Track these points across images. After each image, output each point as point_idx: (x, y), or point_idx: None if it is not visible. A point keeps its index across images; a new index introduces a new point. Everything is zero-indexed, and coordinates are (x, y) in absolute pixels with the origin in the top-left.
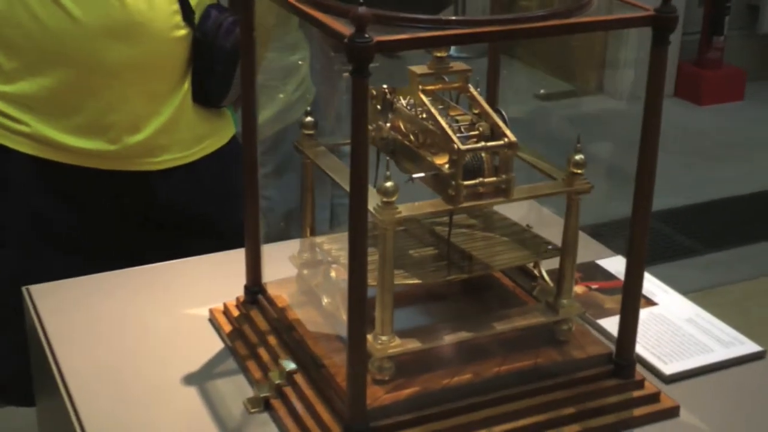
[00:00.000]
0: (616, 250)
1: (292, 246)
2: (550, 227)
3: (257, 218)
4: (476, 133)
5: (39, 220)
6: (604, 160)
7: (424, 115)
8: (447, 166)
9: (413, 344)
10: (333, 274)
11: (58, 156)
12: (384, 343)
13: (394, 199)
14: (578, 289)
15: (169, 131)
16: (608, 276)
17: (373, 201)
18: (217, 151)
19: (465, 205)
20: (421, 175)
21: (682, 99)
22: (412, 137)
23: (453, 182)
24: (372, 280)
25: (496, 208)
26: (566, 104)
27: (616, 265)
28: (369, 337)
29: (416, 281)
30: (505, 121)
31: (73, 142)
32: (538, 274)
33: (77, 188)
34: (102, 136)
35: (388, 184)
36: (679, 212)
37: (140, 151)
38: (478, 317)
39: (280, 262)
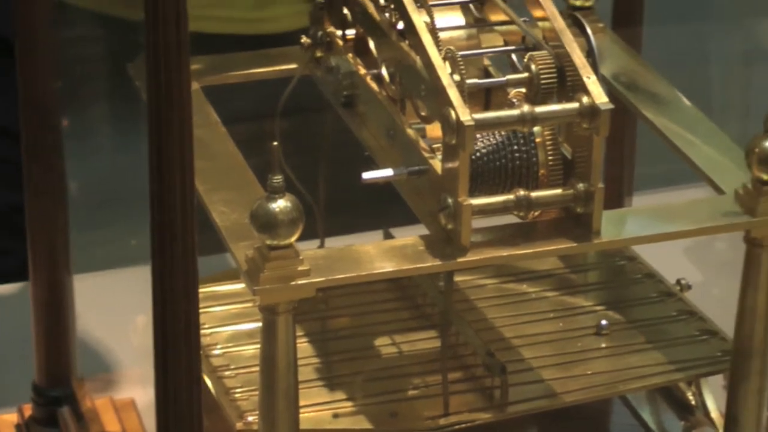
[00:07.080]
0: None
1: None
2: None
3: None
4: (522, 77)
5: None
6: None
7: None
8: (440, 158)
9: None
10: None
11: None
12: None
13: (291, 240)
14: None
15: None
16: None
17: (242, 242)
18: None
19: (475, 258)
20: (387, 173)
21: None
22: (385, 72)
23: (449, 200)
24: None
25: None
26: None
27: None
28: None
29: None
30: (592, 56)
31: None
32: (694, 402)
33: None
34: None
35: (279, 204)
36: None
37: None
38: None
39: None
